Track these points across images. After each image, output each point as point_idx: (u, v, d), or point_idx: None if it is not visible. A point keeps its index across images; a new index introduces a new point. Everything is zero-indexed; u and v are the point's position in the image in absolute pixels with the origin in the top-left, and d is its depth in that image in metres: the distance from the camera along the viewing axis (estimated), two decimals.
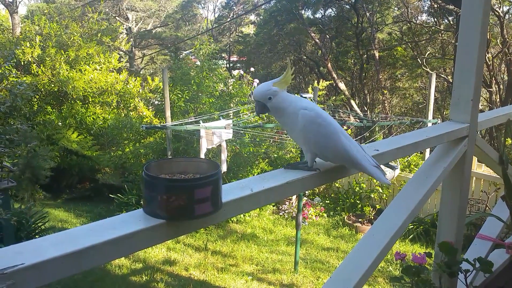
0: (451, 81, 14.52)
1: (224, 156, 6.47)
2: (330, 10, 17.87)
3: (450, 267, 2.11)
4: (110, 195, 8.52)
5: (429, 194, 1.93)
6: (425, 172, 2.00)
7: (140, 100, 12.32)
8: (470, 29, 2.00)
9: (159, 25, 25.77)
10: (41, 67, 11.17)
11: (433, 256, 2.29)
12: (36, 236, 6.52)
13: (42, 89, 11.29)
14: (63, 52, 11.59)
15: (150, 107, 12.17)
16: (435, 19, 16.87)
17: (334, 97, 13.30)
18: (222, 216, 1.10)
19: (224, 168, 6.59)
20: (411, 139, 1.79)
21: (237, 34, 23.91)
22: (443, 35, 16.08)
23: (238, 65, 22.21)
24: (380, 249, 1.69)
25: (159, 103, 11.22)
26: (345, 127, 9.27)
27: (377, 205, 7.84)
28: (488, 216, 2.77)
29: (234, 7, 23.72)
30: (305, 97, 5.76)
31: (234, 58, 23.58)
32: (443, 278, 2.14)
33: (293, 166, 1.42)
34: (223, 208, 1.08)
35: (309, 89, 9.53)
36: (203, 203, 1.01)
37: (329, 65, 15.88)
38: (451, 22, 15.96)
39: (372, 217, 7.67)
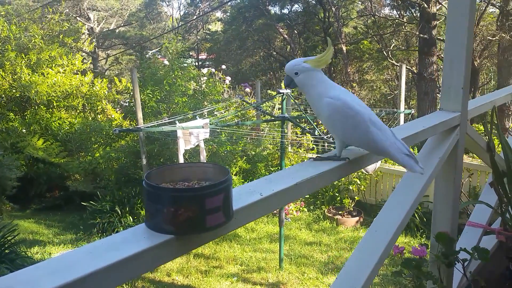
0: (415, 72, 14.81)
1: (203, 156, 6.34)
2: (296, 5, 17.91)
3: (448, 257, 2.09)
4: (82, 202, 8.23)
5: (427, 186, 1.89)
6: (421, 163, 1.95)
7: (107, 103, 12.00)
8: (458, 17, 1.97)
9: (122, 24, 25.18)
10: (1, 72, 10.68)
11: (429, 247, 2.27)
12: (6, 251, 6.20)
13: (3, 95, 10.82)
14: (23, 56, 11.13)
15: (118, 109, 11.86)
16: (398, 12, 17.16)
17: None
18: (234, 225, 1.00)
19: None
20: (408, 131, 1.74)
21: (204, 31, 23.67)
22: (406, 28, 16.36)
23: (207, 63, 21.98)
24: (385, 245, 1.64)
25: (127, 104, 10.94)
26: (320, 121, 9.28)
27: (356, 197, 7.89)
28: (476, 203, 2.78)
29: (200, 4, 23.45)
30: (282, 93, 5.70)
31: (202, 56, 23.33)
32: (441, 268, 2.12)
33: (322, 158, 1.40)
34: (234, 216, 0.99)
35: (282, 84, 9.48)
36: (215, 213, 0.91)
37: None
38: (414, 15, 16.26)
39: (352, 209, 7.70)
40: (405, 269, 2.00)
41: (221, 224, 0.93)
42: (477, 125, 9.09)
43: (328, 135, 6.77)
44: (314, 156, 1.46)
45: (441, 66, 14.68)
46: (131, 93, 8.45)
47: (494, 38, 11.76)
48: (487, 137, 2.53)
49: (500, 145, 2.54)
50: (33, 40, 11.69)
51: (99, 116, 11.94)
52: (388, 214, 1.79)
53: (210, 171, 1.05)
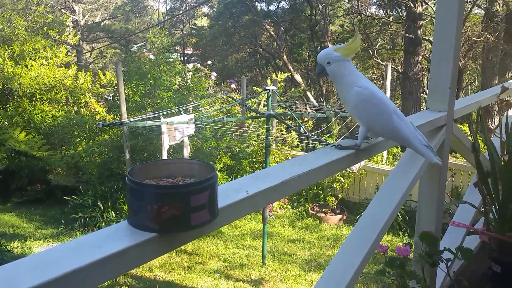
0: (400, 71, 14.94)
1: (186, 152, 6.29)
2: (283, 2, 17.88)
3: (432, 257, 2.10)
4: (64, 197, 8.11)
5: (413, 186, 1.89)
6: (405, 164, 1.95)
7: (91, 96, 11.83)
8: (446, 16, 1.97)
9: (107, 18, 24.82)
10: None
11: (412, 246, 2.28)
12: None
13: None
14: (6, 47, 10.89)
15: (102, 103, 11.71)
16: (385, 11, 17.25)
17: (293, 89, 13.32)
18: (219, 223, 0.98)
19: None
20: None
21: (190, 26, 23.49)
22: (392, 27, 16.45)
23: (193, 58, 21.82)
24: (370, 244, 1.63)
25: (111, 98, 10.81)
26: (306, 119, 9.29)
27: (339, 195, 7.92)
28: (460, 203, 2.80)
29: None
30: (268, 90, 5.69)
31: (188, 51, 23.15)
32: (425, 268, 2.12)
33: (342, 147, 1.50)
34: (219, 214, 0.96)
35: (268, 81, 9.47)
36: (200, 211, 0.88)
37: (285, 57, 15.90)
38: (400, 14, 16.37)
39: (335, 207, 7.74)
40: (388, 268, 2.01)
41: (206, 222, 0.90)
42: (460, 125, 9.21)
43: (313, 133, 6.78)
44: (338, 145, 1.54)
45: (426, 66, 14.85)
46: (116, 87, 8.35)
47: (479, 39, 11.89)
48: (472, 137, 2.55)
49: (485, 146, 2.57)
50: (17, 32, 11.46)
51: (82, 110, 11.77)
52: (374, 213, 1.78)
53: (195, 167, 1.02)
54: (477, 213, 2.72)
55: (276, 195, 1.17)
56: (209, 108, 7.97)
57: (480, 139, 3.37)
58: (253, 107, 8.42)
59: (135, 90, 7.93)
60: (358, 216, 7.20)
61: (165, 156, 5.85)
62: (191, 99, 8.20)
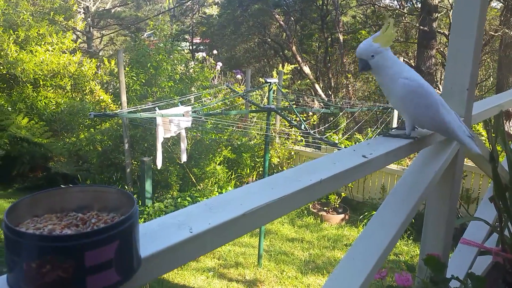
0: (413, 65, 14.49)
1: (183, 145, 6.01)
2: None
3: (437, 284, 1.82)
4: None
5: (419, 204, 1.60)
6: (412, 178, 1.66)
7: (96, 83, 11.61)
8: (467, 6, 1.66)
9: (118, 4, 24.57)
10: None
11: (416, 270, 2.01)
12: None
13: None
14: (11, 32, 10.66)
15: (108, 91, 11.49)
16: (399, 2, 16.76)
17: (299, 81, 12.95)
18: (139, 280, 0.70)
19: (184, 158, 6.14)
20: (401, 141, 1.44)
21: (200, 15, 23.13)
22: (406, 19, 15.99)
23: (201, 47, 21.47)
24: (370, 267, 1.36)
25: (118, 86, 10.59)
26: (310, 113, 8.95)
27: (342, 193, 7.62)
28: (472, 219, 2.51)
29: None
30: (269, 83, 5.38)
31: (197, 40, 22.80)
32: None
33: (391, 135, 1.46)
34: (143, 266, 0.69)
35: (274, 72, 9.14)
36: (102, 272, 0.61)
37: (294, 48, 15.51)
38: (415, 5, 15.89)
39: (337, 206, 7.45)
40: None
41: (113, 287, 0.63)
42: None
43: (315, 130, 6.49)
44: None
45: (440, 61, 14.39)
46: (117, 76, 8.11)
47: (496, 34, 11.39)
48: (489, 144, 2.25)
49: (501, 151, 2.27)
50: (22, 16, 11.24)
51: (87, 97, 11.57)
52: (376, 234, 1.50)
53: (113, 197, 0.74)
54: (491, 229, 2.42)
55: (234, 233, 0.87)
56: (212, 99, 7.69)
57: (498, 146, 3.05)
58: (257, 100, 8.11)
59: (135, 79, 7.68)
60: (361, 216, 6.90)
61: (159, 149, 5.58)
62: (193, 90, 7.92)
